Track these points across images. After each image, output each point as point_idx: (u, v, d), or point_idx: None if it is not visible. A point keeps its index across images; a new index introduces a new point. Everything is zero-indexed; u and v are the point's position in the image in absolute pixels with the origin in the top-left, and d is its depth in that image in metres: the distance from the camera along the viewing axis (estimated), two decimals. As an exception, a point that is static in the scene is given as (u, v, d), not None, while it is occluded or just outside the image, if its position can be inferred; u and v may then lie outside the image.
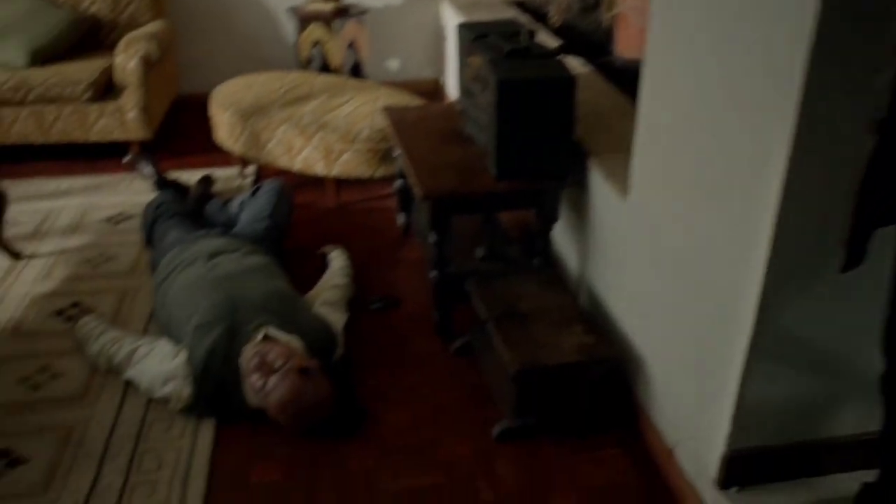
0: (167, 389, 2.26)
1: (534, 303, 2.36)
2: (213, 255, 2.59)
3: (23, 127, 3.74)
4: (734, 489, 1.82)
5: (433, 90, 4.88)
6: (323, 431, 2.22)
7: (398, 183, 3.21)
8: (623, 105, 2.80)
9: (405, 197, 3.21)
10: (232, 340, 2.28)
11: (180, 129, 4.37)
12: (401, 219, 3.31)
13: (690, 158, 1.84)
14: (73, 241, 3.21)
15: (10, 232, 3.19)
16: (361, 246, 3.19)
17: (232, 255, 2.59)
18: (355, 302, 2.79)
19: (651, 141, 2.05)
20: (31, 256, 3.09)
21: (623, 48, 3.26)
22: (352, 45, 4.50)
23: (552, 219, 2.54)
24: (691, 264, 1.87)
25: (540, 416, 2.21)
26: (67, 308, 2.77)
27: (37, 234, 3.27)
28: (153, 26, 4.07)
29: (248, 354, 2.23)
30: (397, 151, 2.86)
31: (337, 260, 2.92)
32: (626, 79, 2.99)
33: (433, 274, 2.56)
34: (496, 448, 2.19)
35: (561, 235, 2.80)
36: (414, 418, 2.30)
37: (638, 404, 2.25)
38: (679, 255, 1.93)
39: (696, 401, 1.92)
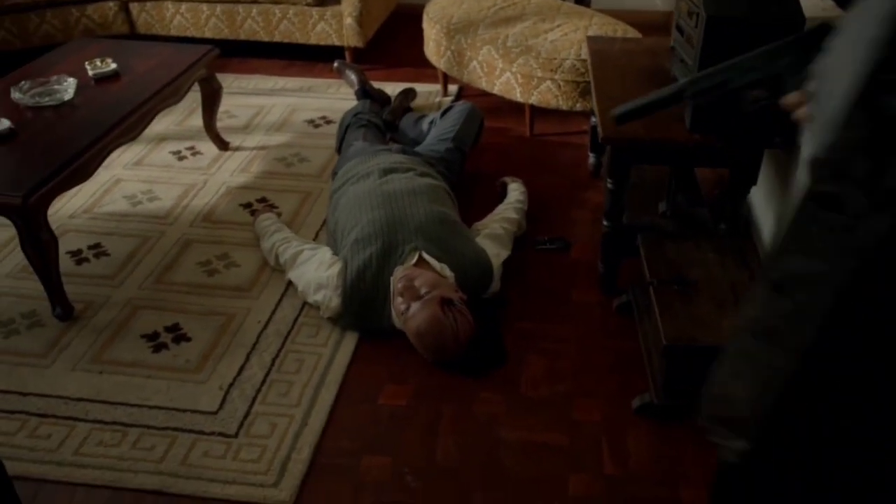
0: (318, 297, 2.32)
1: (707, 272, 2.11)
2: (387, 171, 2.58)
3: (252, 24, 3.94)
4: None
5: (663, 24, 4.48)
6: (458, 366, 2.18)
7: (594, 120, 3.00)
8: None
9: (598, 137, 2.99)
10: (386, 259, 2.28)
11: (394, 40, 4.40)
12: (591, 159, 3.11)
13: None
14: (275, 139, 3.36)
15: (224, 123, 3.41)
16: (545, 181, 3.04)
17: (405, 175, 2.57)
18: (524, 239, 2.68)
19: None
20: (236, 149, 3.28)
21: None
22: (581, -34, 4.22)
23: (749, 182, 2.24)
24: None
25: (688, 399, 1.99)
26: (255, 202, 2.92)
27: (247, 127, 3.46)
28: (383, -67, 4.07)
29: (398, 276, 2.22)
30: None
31: (514, 192, 2.80)
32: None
33: (604, 223, 2.37)
34: (631, 421, 2.02)
35: (760, 202, 2.48)
36: (552, 371, 2.18)
37: (808, 407, 1.96)
38: None
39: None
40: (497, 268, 2.40)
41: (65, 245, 2.65)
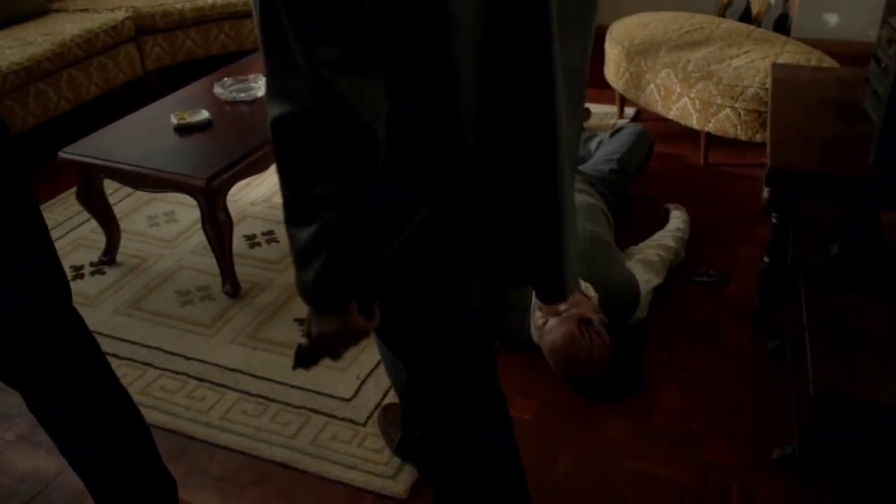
0: (460, 301, 2.36)
1: (873, 323, 1.92)
2: (544, 185, 2.58)
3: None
4: None
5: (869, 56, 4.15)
6: (590, 388, 2.14)
7: (772, 151, 2.83)
8: None
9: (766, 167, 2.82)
10: (531, 272, 2.28)
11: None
12: (766, 193, 2.94)
13: None
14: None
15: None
16: (713, 212, 2.91)
17: (562, 190, 2.56)
18: (680, 268, 2.57)
19: None
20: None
21: None
22: (783, -7, 4.02)
23: (937, 230, 2.03)
24: None
25: (836, 456, 1.83)
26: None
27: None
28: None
29: (539, 290, 2.21)
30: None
31: (675, 220, 2.71)
32: None
33: (766, 259, 2.24)
34: (767, 471, 1.88)
35: (955, 254, 2.22)
36: (689, 406, 2.08)
37: (979, 487, 1.74)
38: None
39: None
40: (645, 294, 2.33)
41: (242, 229, 2.88)
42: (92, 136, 2.67)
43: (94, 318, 2.50)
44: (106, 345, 2.37)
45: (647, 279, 2.37)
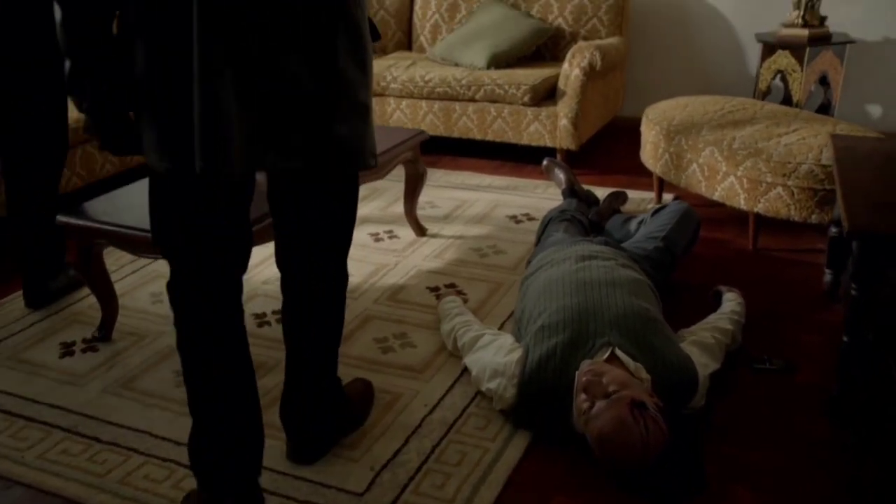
0: (492, 384, 2.07)
1: None
2: (585, 257, 2.34)
3: (467, 122, 3.97)
4: None
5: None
6: (645, 487, 1.81)
7: (833, 231, 2.59)
8: None
9: (837, 250, 2.56)
10: (573, 351, 2.01)
11: (610, 147, 4.24)
12: (828, 277, 2.67)
13: None
14: (474, 231, 3.25)
15: (425, 212, 3.37)
16: (769, 298, 2.64)
17: (605, 263, 2.31)
18: (737, 355, 2.29)
19: None
20: (433, 236, 3.21)
21: None
22: (823, 81, 3.88)
23: None
24: None
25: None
26: (442, 287, 2.78)
27: (447, 217, 3.40)
28: (608, 41, 4.00)
29: (583, 369, 1.93)
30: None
31: (730, 302, 2.44)
32: None
33: (844, 337, 1.95)
34: (873, 592, 1.53)
35: None
36: (765, 511, 1.75)
37: None
38: None
39: None
40: (703, 380, 2.04)
41: (252, 307, 2.66)
42: (94, 201, 2.49)
43: (79, 397, 2.23)
44: (89, 427, 2.11)
45: (703, 363, 2.09)
